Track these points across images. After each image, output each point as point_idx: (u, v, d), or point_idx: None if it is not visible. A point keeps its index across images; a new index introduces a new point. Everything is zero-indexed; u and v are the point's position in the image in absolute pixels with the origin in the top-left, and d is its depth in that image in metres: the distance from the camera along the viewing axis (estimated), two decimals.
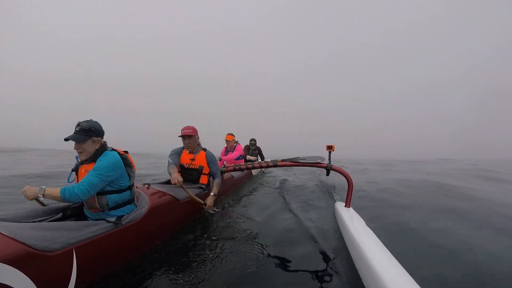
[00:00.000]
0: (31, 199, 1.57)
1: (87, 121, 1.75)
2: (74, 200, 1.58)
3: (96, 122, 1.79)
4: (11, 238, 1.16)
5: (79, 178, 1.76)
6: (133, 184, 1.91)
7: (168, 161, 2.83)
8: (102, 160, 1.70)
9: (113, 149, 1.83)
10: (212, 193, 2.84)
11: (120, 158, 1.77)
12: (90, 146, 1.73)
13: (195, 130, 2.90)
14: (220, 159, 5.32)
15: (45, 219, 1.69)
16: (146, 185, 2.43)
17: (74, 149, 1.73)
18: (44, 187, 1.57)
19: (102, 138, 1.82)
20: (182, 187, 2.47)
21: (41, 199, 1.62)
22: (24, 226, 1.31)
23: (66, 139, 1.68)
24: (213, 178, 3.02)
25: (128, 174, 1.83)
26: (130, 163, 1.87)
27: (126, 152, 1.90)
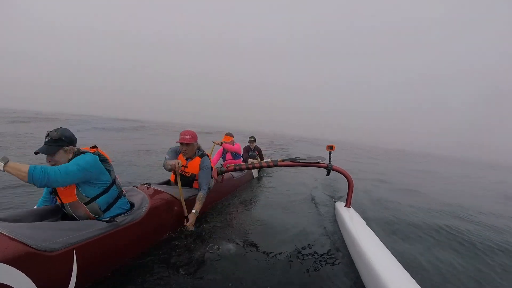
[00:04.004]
0: None
1: (57, 129, 1.60)
2: (42, 182, 1.36)
3: (66, 130, 1.64)
4: (11, 238, 1.16)
5: (61, 198, 1.62)
6: (115, 178, 1.82)
7: (165, 157, 2.64)
8: (79, 158, 1.58)
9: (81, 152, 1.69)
10: (194, 210, 2.43)
11: (94, 156, 1.64)
12: (63, 157, 1.59)
13: (194, 137, 2.72)
14: (222, 165, 4.73)
15: (45, 219, 1.69)
16: (146, 185, 2.43)
17: (47, 162, 1.58)
18: (8, 158, 1.30)
19: (75, 146, 1.68)
20: (179, 180, 2.39)
21: None
22: (24, 226, 1.31)
23: (36, 153, 1.53)
24: (199, 189, 2.62)
25: (107, 169, 1.73)
26: (105, 157, 1.74)
27: (95, 147, 1.77)
